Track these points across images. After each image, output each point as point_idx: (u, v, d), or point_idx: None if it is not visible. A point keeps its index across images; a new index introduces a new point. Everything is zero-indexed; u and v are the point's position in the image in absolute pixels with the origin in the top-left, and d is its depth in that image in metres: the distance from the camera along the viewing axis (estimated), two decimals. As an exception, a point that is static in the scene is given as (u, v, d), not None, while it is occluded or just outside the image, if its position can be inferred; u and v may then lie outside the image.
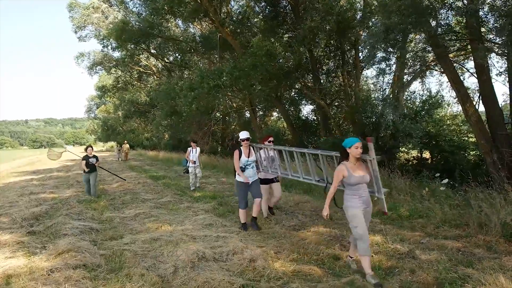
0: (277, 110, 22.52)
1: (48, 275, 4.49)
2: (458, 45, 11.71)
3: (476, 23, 9.07)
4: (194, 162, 11.77)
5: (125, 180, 11.63)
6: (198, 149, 12.16)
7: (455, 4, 9.52)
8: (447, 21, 10.19)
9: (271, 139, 7.03)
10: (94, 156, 10.84)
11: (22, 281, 4.27)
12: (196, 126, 23.96)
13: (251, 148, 6.74)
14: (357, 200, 4.31)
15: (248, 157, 6.56)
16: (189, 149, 12.03)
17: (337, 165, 4.53)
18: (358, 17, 14.45)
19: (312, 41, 13.99)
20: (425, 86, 17.48)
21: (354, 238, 4.35)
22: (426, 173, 9.23)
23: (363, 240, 4.18)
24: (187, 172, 12.05)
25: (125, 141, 35.44)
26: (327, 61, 18.45)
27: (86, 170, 10.54)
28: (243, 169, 6.49)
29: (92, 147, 11.20)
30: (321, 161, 5.65)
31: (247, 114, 24.29)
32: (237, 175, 6.58)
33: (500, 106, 10.10)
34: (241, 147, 6.58)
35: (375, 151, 4.41)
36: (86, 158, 10.69)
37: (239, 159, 6.50)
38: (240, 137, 6.59)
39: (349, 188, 4.38)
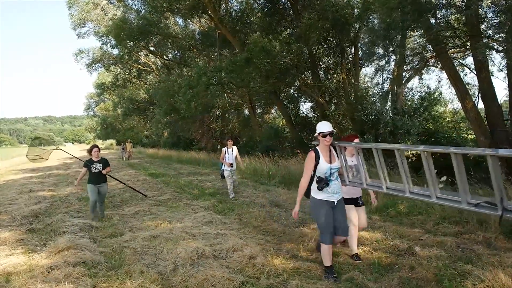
0: (276, 107, 22.54)
1: (48, 272, 4.49)
2: (457, 42, 11.71)
3: (476, 20, 9.06)
4: (231, 165, 9.59)
5: (146, 196, 9.49)
6: (235, 148, 9.88)
7: (455, 0, 9.50)
8: (447, 18, 10.19)
9: (357, 140, 4.66)
10: (102, 161, 7.74)
11: (22, 279, 4.27)
12: (195, 124, 23.98)
13: (333, 149, 4.33)
14: None
15: (331, 162, 4.18)
16: (224, 149, 9.78)
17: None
18: (356, 13, 14.42)
19: (310, 38, 13.96)
20: (424, 83, 17.49)
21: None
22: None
23: None
24: (223, 177, 9.84)
25: (128, 140, 34.31)
26: (326, 58, 18.46)
27: (78, 182, 7.83)
28: (323, 182, 4.10)
29: (98, 147, 7.94)
30: (456, 165, 3.10)
31: (247, 112, 24.31)
32: (309, 190, 4.28)
33: (499, 103, 10.11)
34: (316, 147, 4.25)
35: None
36: (89, 163, 7.61)
37: (316, 165, 4.16)
38: (319, 130, 4.19)
39: None
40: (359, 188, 4.73)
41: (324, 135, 4.13)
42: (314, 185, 4.18)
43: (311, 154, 4.17)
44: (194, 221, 7.06)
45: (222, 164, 9.74)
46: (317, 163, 4.14)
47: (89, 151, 7.77)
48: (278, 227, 6.55)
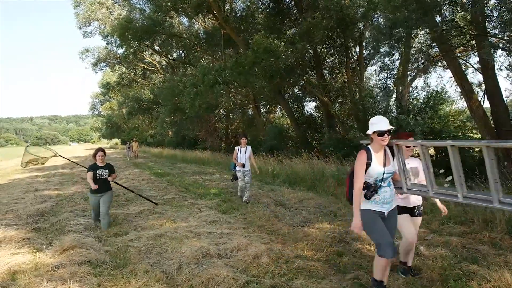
0: (280, 106, 22.53)
1: (54, 271, 4.52)
2: (463, 40, 11.65)
3: (481, 19, 9.01)
4: (243, 165, 8.82)
5: (156, 204, 8.57)
6: (249, 148, 9.00)
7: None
8: (452, 17, 10.14)
9: (412, 139, 3.67)
10: (107, 166, 6.99)
11: (28, 277, 4.30)
12: (200, 123, 24.03)
13: (387, 150, 3.60)
14: None
15: (385, 165, 3.49)
16: (237, 148, 9.04)
17: None
18: (360, 13, 14.37)
19: (314, 37, 13.93)
20: (429, 82, 17.41)
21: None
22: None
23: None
24: (236, 178, 9.08)
25: (134, 139, 33.89)
26: (330, 57, 18.43)
27: (94, 187, 6.67)
28: (371, 189, 3.41)
29: (104, 151, 7.01)
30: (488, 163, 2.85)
31: (251, 111, 24.32)
32: (359, 201, 3.44)
33: (505, 102, 10.05)
34: (368, 146, 3.54)
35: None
36: (93, 168, 6.84)
37: (367, 168, 3.44)
38: (375, 129, 3.42)
39: None
40: (417, 196, 4.12)
41: (381, 133, 3.39)
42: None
43: (363, 154, 3.45)
44: (198, 220, 7.07)
45: (235, 165, 9.02)
46: (368, 165, 3.44)
47: (94, 155, 6.95)
48: (282, 226, 6.54)
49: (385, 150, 3.53)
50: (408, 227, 4.02)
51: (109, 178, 6.89)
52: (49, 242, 5.78)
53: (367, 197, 3.42)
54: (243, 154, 8.84)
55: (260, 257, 4.79)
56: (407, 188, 3.65)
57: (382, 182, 3.46)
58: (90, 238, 5.92)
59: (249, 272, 4.40)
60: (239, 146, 8.97)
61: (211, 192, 10.61)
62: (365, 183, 3.44)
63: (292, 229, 6.36)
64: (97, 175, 6.78)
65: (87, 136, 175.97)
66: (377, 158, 3.47)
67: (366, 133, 3.52)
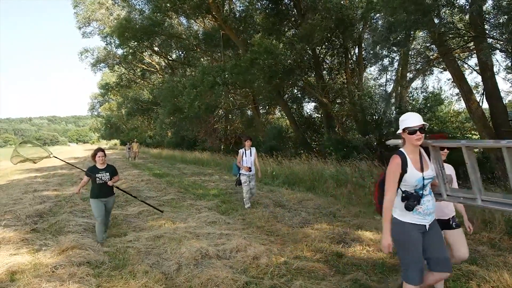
0: (280, 107, 22.53)
1: (52, 272, 4.51)
2: (461, 42, 11.68)
3: (480, 20, 9.03)
4: (250, 169, 8.14)
5: (162, 212, 7.66)
6: (254, 150, 8.35)
7: (458, 1, 9.48)
8: (451, 18, 10.17)
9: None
10: (108, 169, 6.20)
11: (27, 278, 4.29)
12: (199, 123, 24.02)
13: (423, 151, 3.07)
14: None
15: (423, 169, 2.95)
16: (241, 150, 8.29)
17: None
18: (359, 14, 14.39)
19: (314, 38, 13.93)
20: (428, 83, 17.46)
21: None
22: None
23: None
24: (240, 183, 8.28)
25: (134, 139, 32.73)
26: (329, 58, 18.45)
27: (78, 194, 6.43)
28: (413, 199, 2.88)
29: (104, 152, 6.27)
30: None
31: (250, 112, 24.32)
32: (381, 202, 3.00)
33: (504, 102, 10.07)
34: (401, 149, 2.98)
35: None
36: (92, 172, 6.05)
37: (403, 175, 2.93)
38: (405, 125, 2.92)
39: None
40: (451, 205, 3.62)
41: (412, 131, 2.87)
42: (398, 203, 2.97)
43: (396, 160, 2.90)
44: (197, 221, 7.07)
45: (239, 168, 8.25)
46: (404, 172, 2.90)
47: (93, 155, 6.15)
48: (281, 227, 6.54)
49: (420, 152, 3.01)
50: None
51: (109, 183, 6.02)
52: (48, 243, 5.77)
53: (409, 208, 2.89)
54: (248, 157, 8.17)
55: (259, 257, 4.79)
56: (447, 195, 3.12)
57: (423, 190, 2.92)
58: (89, 239, 5.92)
59: (248, 273, 4.40)
60: (243, 149, 8.25)
61: (210, 193, 10.60)
62: (404, 192, 2.94)
63: (291, 230, 6.36)
64: (97, 179, 5.93)
65: (86, 136, 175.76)
66: (413, 162, 2.92)
67: (397, 132, 3.04)
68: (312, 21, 13.47)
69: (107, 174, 6.07)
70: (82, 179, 6.26)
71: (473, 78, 26.27)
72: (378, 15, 12.77)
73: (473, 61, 15.84)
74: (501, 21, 8.57)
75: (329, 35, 15.29)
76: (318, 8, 14.31)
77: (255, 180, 8.43)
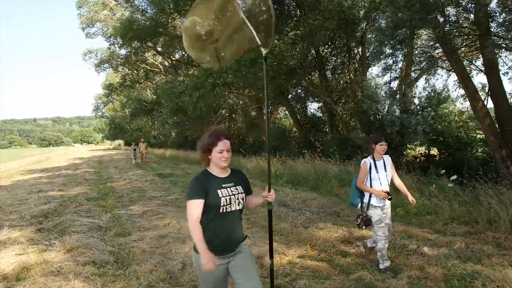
0: (284, 107, 22.50)
1: (58, 271, 4.54)
2: (466, 41, 11.63)
3: (485, 18, 8.98)
4: (388, 196, 4.64)
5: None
6: (389, 159, 4.55)
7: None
8: (456, 17, 10.12)
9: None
10: (236, 176, 3.00)
11: (33, 277, 4.32)
12: (202, 124, 24.00)
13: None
14: None
15: None
16: (368, 161, 4.64)
17: None
18: (362, 13, 14.34)
19: (317, 38, 13.89)
20: (432, 82, 17.35)
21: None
22: (433, 170, 9.16)
23: None
24: (368, 223, 4.48)
25: (142, 139, 28.83)
26: (333, 58, 18.40)
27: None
28: None
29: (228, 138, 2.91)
30: None
31: (254, 112, 24.30)
32: None
33: (509, 102, 10.02)
34: None
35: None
36: (209, 182, 2.81)
37: None
38: None
39: None
40: None
41: None
42: None
43: None
44: (201, 221, 7.06)
45: (361, 193, 4.77)
46: None
47: (208, 147, 2.87)
48: (285, 226, 6.54)
49: None
50: None
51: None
52: (53, 243, 5.80)
53: None
54: (382, 171, 4.43)
55: (263, 257, 4.79)
56: None
57: None
58: (94, 238, 5.95)
59: (252, 272, 4.40)
60: (369, 159, 4.50)
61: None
62: None
63: (295, 229, 6.37)
64: (222, 200, 2.70)
65: (90, 137, 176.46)
66: None
67: None
68: (314, 21, 13.44)
69: (238, 187, 2.98)
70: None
71: (479, 80, 26.12)
72: (381, 14, 12.71)
73: (479, 62, 15.82)
74: (506, 19, 8.53)
75: (332, 34, 15.25)
76: (320, 8, 14.27)
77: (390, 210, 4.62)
